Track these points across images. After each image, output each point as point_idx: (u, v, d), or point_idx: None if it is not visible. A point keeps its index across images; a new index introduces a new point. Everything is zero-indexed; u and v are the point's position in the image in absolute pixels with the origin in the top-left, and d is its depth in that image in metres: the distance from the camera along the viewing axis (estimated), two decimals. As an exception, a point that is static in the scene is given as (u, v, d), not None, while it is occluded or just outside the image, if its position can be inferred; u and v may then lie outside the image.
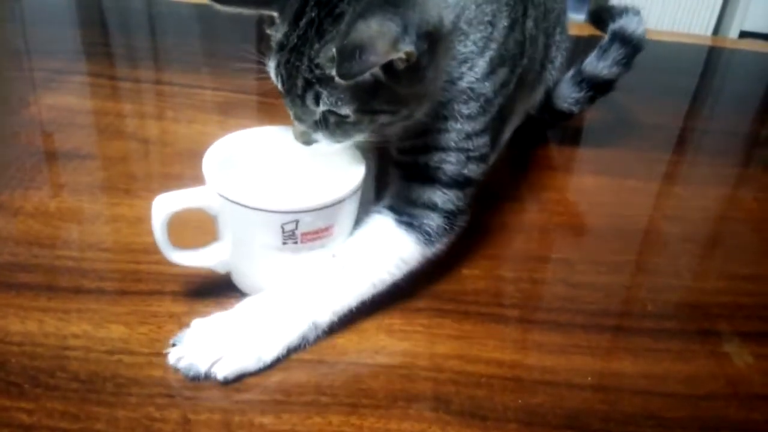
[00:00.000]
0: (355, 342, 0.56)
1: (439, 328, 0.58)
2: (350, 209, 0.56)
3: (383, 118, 0.52)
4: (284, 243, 0.53)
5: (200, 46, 1.08)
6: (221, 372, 0.50)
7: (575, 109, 0.84)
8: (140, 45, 1.08)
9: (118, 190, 0.71)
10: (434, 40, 0.49)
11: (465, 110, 0.57)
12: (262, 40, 0.54)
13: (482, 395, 0.52)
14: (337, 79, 0.46)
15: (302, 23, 0.49)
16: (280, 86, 0.53)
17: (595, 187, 0.81)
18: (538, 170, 0.83)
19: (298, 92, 0.51)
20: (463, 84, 0.56)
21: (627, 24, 0.80)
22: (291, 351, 0.53)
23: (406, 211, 0.59)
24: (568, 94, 0.84)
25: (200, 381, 0.51)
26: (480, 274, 0.65)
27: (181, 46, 1.06)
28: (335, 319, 0.55)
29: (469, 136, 0.58)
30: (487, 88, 0.57)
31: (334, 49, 0.46)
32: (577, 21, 1.21)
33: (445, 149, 0.58)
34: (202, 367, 0.51)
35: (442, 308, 0.60)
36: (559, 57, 0.80)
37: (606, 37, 0.83)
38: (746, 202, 0.82)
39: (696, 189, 0.83)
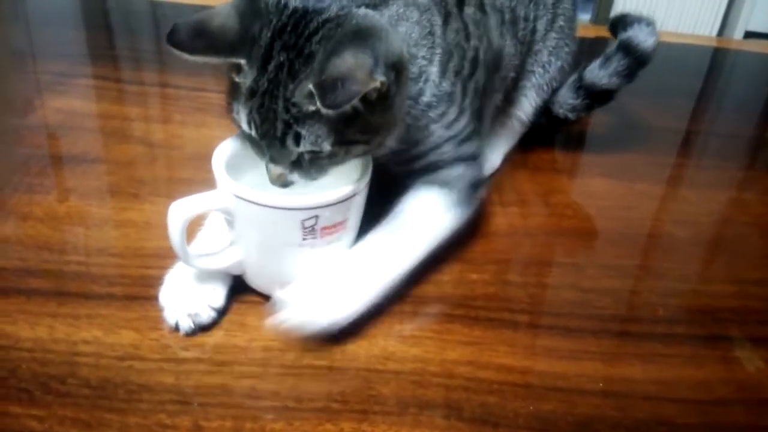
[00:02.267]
0: (366, 348, 0.56)
1: (449, 334, 0.58)
2: (362, 201, 0.58)
3: (357, 149, 0.54)
4: (304, 239, 0.54)
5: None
6: (324, 322, 0.54)
7: (571, 116, 0.83)
8: (145, 47, 1.08)
9: (127, 194, 0.70)
10: (399, 70, 0.52)
11: (435, 113, 0.61)
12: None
13: (494, 402, 0.52)
14: (323, 110, 0.48)
15: (271, 67, 0.51)
16: (253, 132, 0.53)
17: (603, 190, 0.81)
18: (545, 173, 0.83)
19: (278, 134, 0.52)
20: (425, 98, 0.60)
21: (635, 35, 0.78)
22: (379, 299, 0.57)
23: (438, 183, 0.63)
24: (564, 100, 0.83)
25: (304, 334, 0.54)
26: (489, 278, 0.65)
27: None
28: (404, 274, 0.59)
29: (448, 127, 0.62)
30: (444, 86, 0.61)
31: (310, 86, 0.48)
32: (582, 21, 1.21)
33: (434, 148, 0.63)
34: (311, 323, 0.54)
35: (451, 313, 0.60)
36: (555, 61, 0.79)
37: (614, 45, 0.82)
38: (755, 206, 0.82)
39: (704, 192, 0.83)
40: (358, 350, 0.55)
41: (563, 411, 0.52)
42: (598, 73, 0.80)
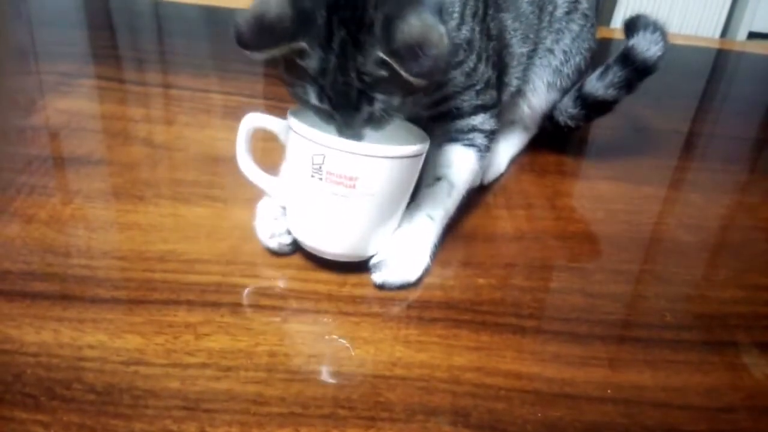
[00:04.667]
0: (372, 353, 0.55)
1: (456, 339, 0.58)
2: (381, 175, 0.57)
3: (418, 97, 0.58)
4: (312, 176, 0.57)
5: (209, 49, 1.08)
6: (412, 279, 0.62)
7: (571, 123, 0.83)
8: (149, 48, 1.07)
9: (131, 196, 0.70)
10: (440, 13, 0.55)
11: (454, 60, 0.64)
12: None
13: (501, 408, 0.52)
14: (413, 80, 0.51)
15: (335, 44, 0.53)
16: (326, 105, 0.56)
17: (610, 193, 0.81)
18: (552, 176, 0.83)
19: (353, 103, 0.55)
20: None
21: (638, 43, 0.76)
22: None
23: (459, 138, 0.69)
24: (565, 108, 0.83)
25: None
26: (496, 283, 0.64)
27: (190, 48, 1.06)
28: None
29: (468, 75, 0.66)
30: (464, 32, 0.64)
31: (381, 54, 0.51)
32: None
33: (454, 95, 0.67)
34: (409, 278, 0.62)
35: (458, 318, 0.60)
36: (575, 55, 0.80)
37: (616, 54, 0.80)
38: (761, 209, 0.82)
39: (711, 196, 0.83)
40: (364, 355, 0.55)
41: (571, 418, 0.52)
42: (595, 85, 0.79)
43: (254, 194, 0.72)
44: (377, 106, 0.55)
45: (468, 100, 0.68)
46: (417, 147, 0.59)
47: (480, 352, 0.57)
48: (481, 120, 0.70)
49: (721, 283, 0.68)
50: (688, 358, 0.59)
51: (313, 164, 0.57)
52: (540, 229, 0.73)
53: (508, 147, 0.82)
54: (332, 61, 0.53)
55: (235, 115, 0.87)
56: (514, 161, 0.83)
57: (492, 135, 0.71)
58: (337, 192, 0.57)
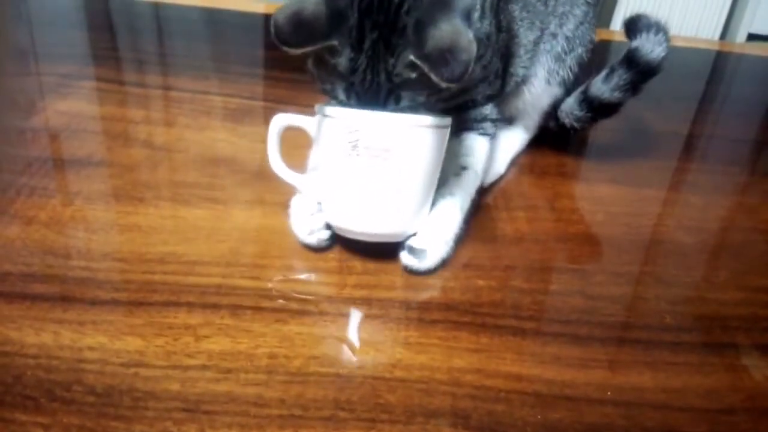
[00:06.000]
0: (372, 355, 0.55)
1: (456, 341, 0.58)
2: (414, 143, 0.60)
3: (444, 93, 0.59)
4: (348, 155, 0.59)
5: (209, 51, 1.08)
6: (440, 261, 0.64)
7: (577, 125, 0.83)
8: (149, 50, 1.07)
9: (132, 198, 0.70)
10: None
11: (479, 53, 0.65)
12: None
13: (501, 410, 0.52)
14: (443, 84, 0.54)
15: (366, 45, 0.55)
16: (353, 102, 0.59)
17: (610, 195, 0.81)
18: (552, 178, 0.83)
19: (381, 101, 0.58)
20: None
21: (642, 45, 0.76)
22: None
23: (474, 126, 0.73)
24: (571, 110, 0.83)
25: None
26: (496, 285, 0.64)
27: (190, 50, 1.06)
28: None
29: (485, 67, 0.69)
30: (485, 26, 0.66)
31: (412, 57, 0.54)
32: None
33: (474, 86, 0.70)
34: (435, 264, 0.64)
35: (458, 320, 0.60)
36: (578, 45, 0.81)
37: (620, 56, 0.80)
38: (761, 211, 0.82)
39: (711, 198, 0.83)
40: (364, 357, 0.55)
41: (571, 420, 0.52)
42: (600, 87, 0.79)
43: (254, 196, 0.72)
44: (404, 103, 0.58)
45: (482, 91, 0.71)
46: (444, 119, 0.62)
47: (480, 353, 0.57)
48: (489, 109, 0.73)
49: (720, 285, 0.68)
50: (688, 359, 0.59)
51: (349, 142, 0.59)
52: (540, 230, 0.73)
53: (508, 148, 0.82)
54: (363, 61, 0.56)
55: (235, 117, 0.88)
56: (514, 163, 0.83)
57: (497, 123, 0.75)
58: (375, 165, 0.59)
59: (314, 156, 0.67)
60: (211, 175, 0.75)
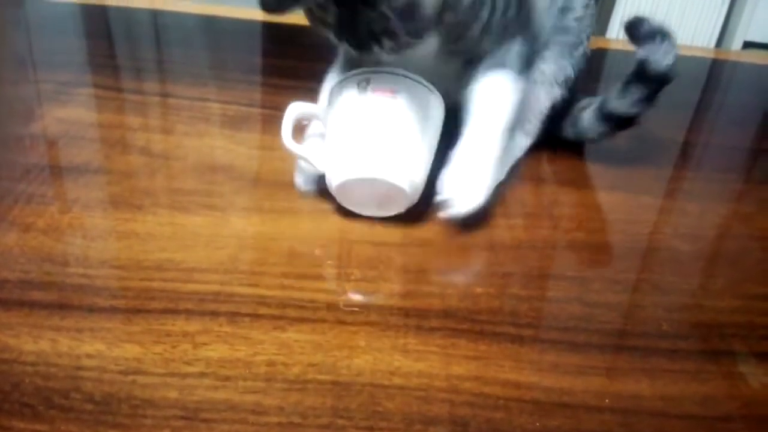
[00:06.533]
0: (371, 362, 0.55)
1: (455, 349, 0.58)
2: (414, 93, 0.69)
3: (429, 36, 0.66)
4: (358, 94, 0.68)
5: (207, 58, 1.08)
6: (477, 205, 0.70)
7: (597, 138, 0.84)
8: (147, 57, 1.08)
9: (130, 205, 0.70)
10: None
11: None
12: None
13: (500, 418, 0.52)
14: (407, 38, 0.62)
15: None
16: (346, 45, 0.65)
17: (608, 202, 0.81)
18: (549, 185, 0.83)
19: (365, 46, 0.64)
20: None
21: (652, 55, 0.75)
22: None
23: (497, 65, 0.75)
24: (590, 125, 0.83)
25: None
26: (494, 292, 0.64)
27: (188, 57, 1.06)
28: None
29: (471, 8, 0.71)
30: None
31: (386, 11, 0.59)
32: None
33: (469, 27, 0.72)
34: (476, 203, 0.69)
35: (456, 328, 0.60)
36: (586, 40, 0.82)
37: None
38: (758, 219, 0.82)
39: (707, 205, 0.83)
40: (363, 364, 0.55)
41: (570, 427, 0.52)
42: (616, 103, 0.80)
43: (252, 203, 0.72)
44: (387, 46, 0.64)
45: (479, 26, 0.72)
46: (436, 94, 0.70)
47: (478, 361, 0.57)
48: (518, 47, 0.75)
49: (717, 293, 0.69)
50: (685, 367, 0.59)
51: (358, 88, 0.68)
52: (538, 238, 0.73)
53: (507, 155, 0.82)
54: (345, 16, 0.62)
55: (233, 124, 0.88)
56: (514, 170, 0.83)
57: (530, 60, 0.78)
58: (383, 101, 0.67)
59: (315, 126, 0.74)
60: (209, 182, 0.75)
